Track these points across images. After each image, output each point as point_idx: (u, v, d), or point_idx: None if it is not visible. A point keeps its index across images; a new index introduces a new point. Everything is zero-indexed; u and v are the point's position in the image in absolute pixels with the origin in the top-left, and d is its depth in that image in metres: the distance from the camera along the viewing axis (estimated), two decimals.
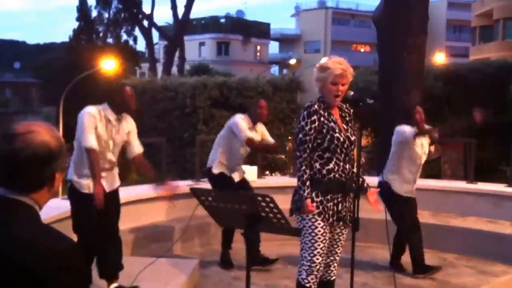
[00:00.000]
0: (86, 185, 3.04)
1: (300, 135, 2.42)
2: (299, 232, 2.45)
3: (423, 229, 4.61)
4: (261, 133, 4.02)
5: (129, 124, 3.19)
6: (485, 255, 4.30)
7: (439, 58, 21.76)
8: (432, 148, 4.07)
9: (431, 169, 11.20)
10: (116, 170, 3.23)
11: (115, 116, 3.07)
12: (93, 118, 3.01)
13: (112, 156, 3.14)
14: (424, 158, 3.97)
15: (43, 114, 24.10)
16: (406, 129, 3.83)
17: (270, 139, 4.08)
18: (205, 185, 4.87)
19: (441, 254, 4.47)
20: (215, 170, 3.98)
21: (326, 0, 40.53)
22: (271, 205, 2.09)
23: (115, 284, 3.18)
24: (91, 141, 2.96)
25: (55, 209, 3.79)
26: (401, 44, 6.37)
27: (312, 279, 2.49)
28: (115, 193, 3.22)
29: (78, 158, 3.08)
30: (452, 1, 39.74)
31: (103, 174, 3.07)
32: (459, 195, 5.08)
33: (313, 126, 2.40)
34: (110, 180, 3.16)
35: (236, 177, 4.02)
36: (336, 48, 35.95)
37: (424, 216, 4.84)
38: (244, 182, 4.11)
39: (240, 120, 3.89)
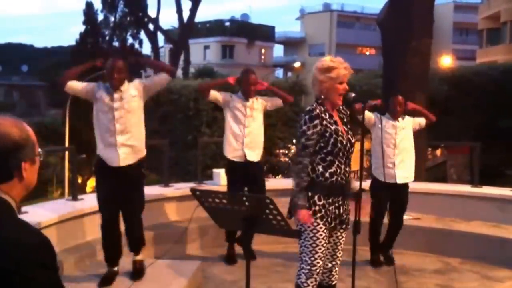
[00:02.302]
0: (105, 154, 3.18)
1: (303, 140, 2.40)
2: (299, 234, 2.43)
3: (427, 233, 4.59)
4: (262, 105, 4.06)
5: (134, 84, 3.24)
6: (490, 260, 4.25)
7: (446, 61, 21.66)
8: (423, 120, 4.18)
9: (437, 173, 11.15)
10: (129, 142, 3.20)
11: (112, 90, 3.18)
12: (91, 85, 3.24)
13: (120, 126, 3.16)
14: (403, 141, 4.00)
15: (50, 116, 24.26)
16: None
17: (277, 100, 4.15)
18: (208, 187, 4.87)
19: (445, 259, 4.42)
20: (226, 157, 4.06)
21: (331, 3, 40.58)
22: (271, 206, 2.08)
23: (139, 257, 3.38)
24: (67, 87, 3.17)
25: (60, 209, 3.81)
26: (405, 47, 6.34)
27: (311, 282, 2.47)
28: (134, 168, 3.22)
29: (97, 133, 3.22)
30: (459, 3, 39.60)
31: (119, 139, 3.16)
32: (464, 199, 5.04)
33: (315, 130, 2.39)
34: (126, 152, 3.18)
35: (236, 157, 3.99)
36: (340, 51, 35.88)
37: (428, 221, 4.81)
38: (255, 178, 4.04)
39: (222, 92, 4.05)
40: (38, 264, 0.98)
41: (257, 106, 4.03)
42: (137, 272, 3.35)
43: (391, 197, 4.04)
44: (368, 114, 3.85)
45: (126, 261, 3.39)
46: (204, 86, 4.17)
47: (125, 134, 3.17)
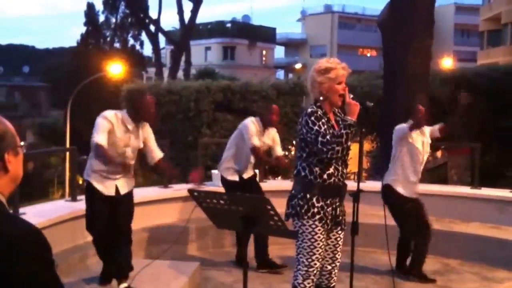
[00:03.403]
0: (101, 184, 3.11)
1: (320, 139, 2.35)
2: (296, 234, 2.44)
3: None
4: (272, 138, 4.03)
5: (145, 131, 3.21)
6: (489, 261, 4.25)
7: (447, 63, 21.64)
8: (437, 131, 4.08)
9: (438, 175, 11.12)
10: (131, 174, 3.25)
11: (133, 124, 3.09)
12: (107, 121, 3.04)
13: (127, 161, 3.15)
14: (425, 156, 3.95)
15: (51, 117, 24.32)
16: (402, 125, 3.85)
17: (279, 149, 4.07)
18: (207, 188, 4.88)
19: (444, 260, 4.42)
20: (224, 175, 4.05)
21: (332, 5, 40.61)
22: (268, 207, 2.09)
23: (125, 284, 3.21)
24: (100, 138, 2.99)
25: (59, 210, 3.82)
26: (406, 48, 6.35)
27: (308, 283, 2.48)
28: (128, 196, 3.25)
29: (93, 158, 3.15)
30: (460, 5, 39.58)
31: (118, 176, 3.13)
32: (463, 200, 5.04)
33: (325, 127, 2.38)
34: (124, 183, 3.20)
35: (239, 175, 4.04)
36: (342, 53, 35.91)
37: None
38: (253, 183, 4.09)
39: (251, 125, 3.89)
40: (28, 256, 0.97)
41: (268, 135, 4.03)
42: None
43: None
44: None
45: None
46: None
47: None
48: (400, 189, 3.86)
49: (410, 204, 3.87)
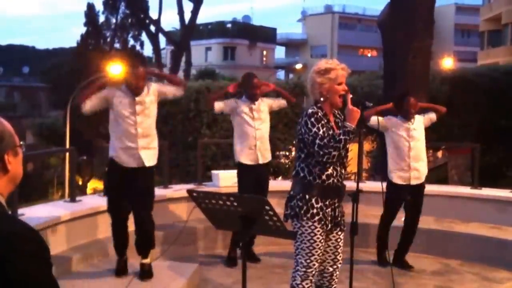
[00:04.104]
0: (124, 155, 3.28)
1: (318, 141, 2.35)
2: (295, 235, 2.43)
3: (426, 235, 4.58)
4: (268, 106, 4.10)
5: (152, 89, 3.34)
6: (489, 261, 4.24)
7: (447, 63, 21.63)
8: (433, 115, 4.13)
9: (439, 175, 11.11)
10: (152, 145, 3.36)
11: (130, 93, 3.26)
12: (105, 91, 3.28)
13: (142, 130, 3.28)
14: (417, 143, 3.98)
15: (51, 117, 24.32)
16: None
17: (281, 100, 4.19)
18: (207, 188, 4.87)
19: (444, 260, 4.41)
20: (236, 160, 4.12)
21: (333, 5, 40.59)
22: (267, 207, 2.08)
23: (147, 260, 3.41)
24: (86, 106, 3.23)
25: (58, 211, 3.81)
26: (406, 48, 6.34)
27: (306, 284, 2.48)
28: (145, 171, 3.32)
29: (114, 137, 3.31)
30: (460, 5, 39.57)
31: (139, 146, 3.28)
32: (463, 200, 5.03)
33: (325, 129, 2.39)
34: (147, 155, 3.30)
35: (250, 160, 4.03)
36: (342, 53, 35.92)
37: (428, 222, 4.79)
38: (262, 181, 4.09)
39: (226, 101, 4.10)
40: (26, 254, 0.97)
41: (264, 107, 4.09)
42: (146, 274, 3.37)
43: (407, 199, 4.03)
44: (380, 118, 3.82)
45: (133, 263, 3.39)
46: (207, 101, 4.26)
47: (146, 138, 3.32)
48: (393, 178, 3.96)
49: (394, 192, 3.95)
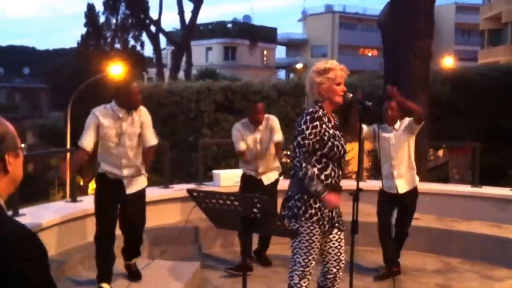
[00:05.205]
0: (110, 173, 3.21)
1: (299, 138, 2.40)
2: (295, 234, 2.44)
3: (427, 233, 4.59)
4: (270, 127, 4.03)
5: (142, 116, 3.23)
6: (490, 259, 4.24)
7: (448, 62, 21.61)
8: (411, 120, 3.78)
9: (439, 174, 11.11)
10: (138, 173, 3.26)
11: (124, 111, 3.15)
12: (93, 116, 3.14)
13: (130, 153, 3.17)
14: (398, 149, 3.78)
15: (52, 118, 24.34)
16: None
17: (276, 136, 4.00)
18: (207, 188, 4.88)
19: (445, 259, 4.42)
20: (241, 171, 4.13)
21: (333, 5, 40.58)
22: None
23: (132, 261, 3.40)
24: (84, 140, 3.13)
25: (59, 212, 3.82)
26: (406, 48, 6.34)
27: (304, 282, 2.50)
28: (136, 196, 3.24)
29: (99, 154, 3.25)
30: (461, 4, 39.54)
31: (124, 174, 3.19)
32: (464, 199, 5.03)
33: (313, 131, 2.39)
34: (129, 182, 3.22)
35: (256, 174, 4.03)
36: (343, 53, 35.93)
37: (429, 220, 4.81)
38: (270, 188, 4.02)
39: (234, 131, 4.04)
40: (23, 256, 0.97)
41: (265, 127, 4.03)
42: (134, 274, 3.36)
43: (397, 206, 3.92)
44: (364, 128, 3.66)
45: (123, 262, 3.40)
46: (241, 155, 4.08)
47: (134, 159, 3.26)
48: (384, 187, 3.84)
49: (382, 199, 3.88)
